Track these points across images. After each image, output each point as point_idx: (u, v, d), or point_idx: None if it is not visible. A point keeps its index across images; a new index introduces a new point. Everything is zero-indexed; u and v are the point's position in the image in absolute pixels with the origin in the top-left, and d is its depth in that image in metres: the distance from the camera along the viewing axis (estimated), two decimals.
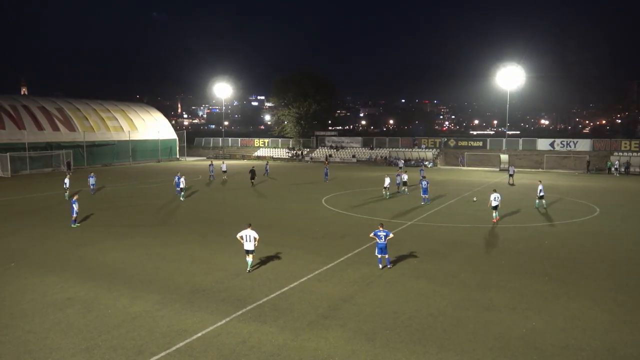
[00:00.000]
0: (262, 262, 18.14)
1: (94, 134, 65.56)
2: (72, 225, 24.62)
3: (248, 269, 16.79)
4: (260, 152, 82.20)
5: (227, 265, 17.78)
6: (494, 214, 25.74)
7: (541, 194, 29.80)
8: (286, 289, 15.10)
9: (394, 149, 72.58)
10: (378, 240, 17.25)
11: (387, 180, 34.20)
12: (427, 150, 69.85)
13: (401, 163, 62.27)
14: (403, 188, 36.39)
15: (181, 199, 32.71)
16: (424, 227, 24.78)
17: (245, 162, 74.63)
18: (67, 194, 33.77)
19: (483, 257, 19.10)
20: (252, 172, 42.84)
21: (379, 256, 17.36)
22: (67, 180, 34.27)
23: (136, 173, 52.60)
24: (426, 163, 60.86)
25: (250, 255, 16.86)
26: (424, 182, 32.22)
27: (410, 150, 70.82)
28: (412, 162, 65.69)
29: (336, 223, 25.69)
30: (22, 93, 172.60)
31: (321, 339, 11.69)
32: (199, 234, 23.12)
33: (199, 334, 11.87)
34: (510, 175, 42.57)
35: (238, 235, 16.98)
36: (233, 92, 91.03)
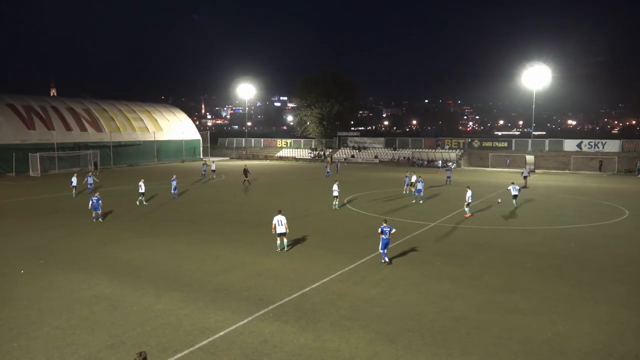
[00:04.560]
0: (284, 262, 18.22)
1: (120, 134, 66.72)
2: (100, 220, 25.86)
3: (279, 249, 19.28)
4: (283, 153, 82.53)
5: (249, 264, 17.90)
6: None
7: (515, 193, 30.40)
8: (308, 289, 15.12)
9: (416, 150, 72.06)
10: (383, 236, 17.71)
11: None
12: (450, 150, 69.17)
13: (441, 163, 61.24)
14: (411, 189, 35.76)
15: (143, 203, 31.63)
16: (447, 228, 24.55)
17: (267, 162, 75.13)
18: (74, 192, 34.85)
19: (507, 259, 18.82)
20: (246, 171, 43.66)
21: (382, 251, 17.88)
22: (74, 179, 35.32)
23: (161, 173, 53.39)
24: (449, 164, 60.21)
25: (284, 238, 19.41)
26: (420, 182, 32.81)
27: (433, 151, 70.23)
28: (436, 163, 65.10)
29: (358, 224, 25.64)
30: (52, 94, 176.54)
31: (343, 340, 11.67)
32: (221, 233, 23.34)
33: (222, 333, 11.97)
34: (525, 178, 41.63)
35: (273, 222, 19.24)
36: (256, 92, 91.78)
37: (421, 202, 32.15)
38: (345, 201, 32.96)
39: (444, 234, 23.20)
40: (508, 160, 61.58)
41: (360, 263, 18.00)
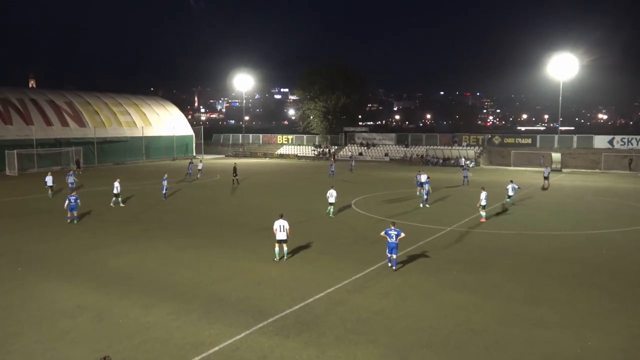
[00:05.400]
0: (285, 270, 18.27)
1: (105, 129, 67.05)
2: (70, 221, 26.43)
3: (278, 258, 19.19)
4: (284, 150, 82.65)
5: (247, 272, 17.96)
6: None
7: (510, 192, 32.16)
8: (311, 300, 15.16)
9: (431, 147, 72.00)
10: (389, 240, 17.96)
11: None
12: (468, 148, 69.07)
13: (465, 161, 60.82)
14: (422, 190, 35.59)
15: (115, 204, 31.87)
16: (463, 233, 24.53)
17: (267, 160, 75.26)
18: (51, 192, 35.44)
19: (531, 267, 18.80)
20: (235, 169, 44.07)
21: (389, 256, 18.17)
22: (50, 177, 35.86)
23: (150, 172, 53.57)
24: (467, 162, 60.16)
25: (284, 245, 19.27)
26: (426, 185, 32.76)
27: (449, 148, 70.15)
28: (452, 162, 65.07)
29: (367, 228, 25.66)
30: (30, 86, 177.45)
31: (349, 355, 11.70)
32: (217, 237, 23.42)
33: (216, 348, 12.03)
34: (545, 178, 41.41)
35: (274, 228, 19.14)
36: (254, 84, 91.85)
37: (422, 205, 31.55)
38: (352, 203, 32.99)
39: (460, 240, 23.18)
40: (542, 159, 60.71)
41: (368, 271, 18.02)
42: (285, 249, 19.49)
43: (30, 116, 60.16)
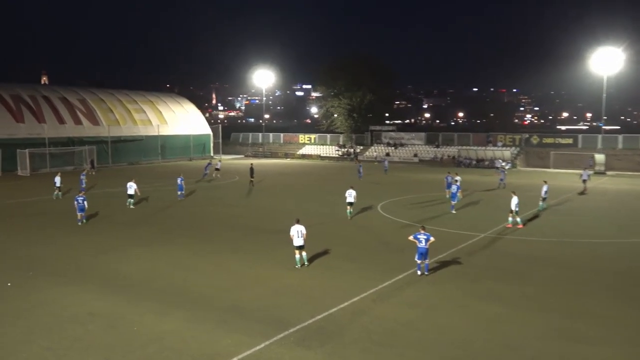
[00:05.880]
0: (306, 277, 18.28)
1: (119, 128, 68.03)
2: (81, 223, 27.15)
3: (299, 265, 19.21)
4: (306, 150, 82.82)
5: (266, 279, 18.03)
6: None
7: (544, 195, 31.78)
8: (335, 309, 15.14)
9: (463, 147, 71.38)
10: (418, 244, 18.15)
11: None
12: (504, 148, 68.31)
13: (500, 163, 60.14)
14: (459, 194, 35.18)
15: (134, 205, 32.55)
16: (499, 240, 24.29)
17: (288, 161, 75.48)
18: (58, 193, 35.92)
19: (571, 277, 18.52)
20: (252, 170, 44.35)
21: (419, 262, 18.27)
22: (58, 178, 36.36)
23: (165, 172, 54.17)
24: (503, 164, 59.48)
25: (303, 251, 19.33)
26: (454, 187, 32.53)
27: (483, 148, 69.47)
28: (486, 163, 64.44)
29: (394, 233, 25.55)
30: (43, 82, 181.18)
31: None
32: (234, 242, 23.58)
33: (234, 359, 12.08)
34: (584, 181, 40.60)
35: (291, 234, 19.18)
36: (275, 80, 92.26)
37: (453, 211, 31.24)
38: (378, 207, 32.89)
39: (494, 247, 22.97)
40: (591, 162, 59.45)
41: (395, 280, 17.93)
42: (305, 254, 19.50)
43: (43, 114, 61.31)
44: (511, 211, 27.13)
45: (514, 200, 27.08)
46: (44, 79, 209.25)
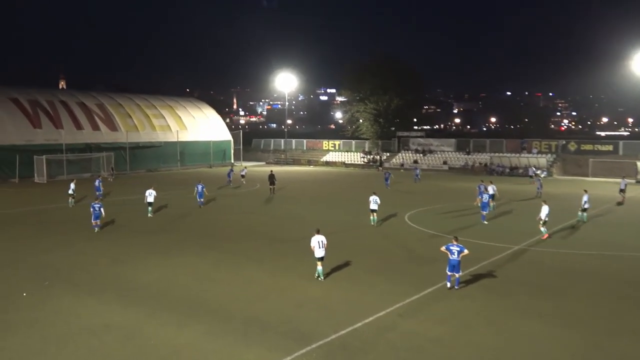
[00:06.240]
0: (330, 289, 18.21)
1: (137, 134, 68.93)
2: (97, 230, 27.68)
3: (321, 277, 19.13)
4: (330, 157, 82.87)
5: (288, 291, 18.02)
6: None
7: (585, 205, 31.25)
8: (360, 324, 15.05)
9: (496, 154, 70.73)
10: (450, 256, 18.01)
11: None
12: (539, 155, 67.53)
13: (534, 171, 59.32)
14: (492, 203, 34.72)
15: (149, 214, 32.74)
16: (535, 253, 23.98)
17: (311, 168, 75.60)
18: (71, 200, 36.54)
19: (612, 292, 18.18)
20: (272, 177, 44.40)
21: (449, 274, 18.13)
22: (72, 185, 36.94)
23: (185, 179, 54.63)
24: (538, 172, 58.69)
25: (321, 263, 19.22)
26: (486, 195, 32.22)
27: (517, 155, 68.75)
28: (520, 171, 63.74)
29: (422, 244, 25.42)
30: (60, 87, 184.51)
31: None
32: (255, 252, 23.65)
33: None
34: (621, 191, 39.73)
35: (312, 244, 19.08)
36: (298, 84, 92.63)
37: (485, 222, 30.99)
38: (405, 217, 32.70)
39: (529, 260, 22.70)
40: (636, 170, 58.21)
41: (424, 294, 17.77)
42: (321, 268, 19.36)
43: (60, 119, 62.33)
44: (541, 220, 26.94)
45: (545, 210, 26.96)
46: (62, 84, 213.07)
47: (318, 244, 19.06)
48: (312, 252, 19.33)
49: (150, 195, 32.75)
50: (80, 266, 21.34)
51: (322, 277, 19.25)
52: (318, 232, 19.46)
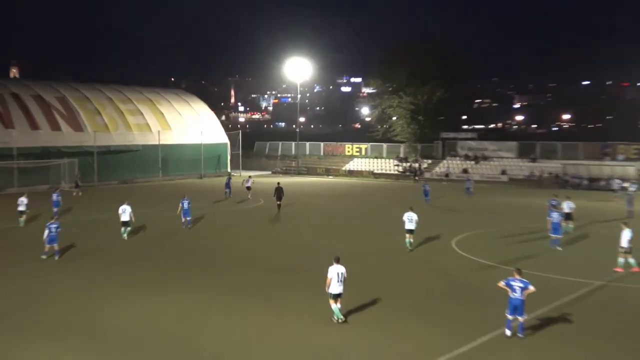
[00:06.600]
0: (353, 336, 18.13)
1: (109, 135, 69.40)
2: (56, 258, 27.89)
3: (339, 318, 18.94)
4: (354, 165, 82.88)
5: (300, 338, 17.99)
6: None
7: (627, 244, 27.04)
8: None
9: (570, 162, 70.32)
10: (511, 294, 17.90)
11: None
12: (627, 163, 67.01)
13: (619, 184, 58.77)
14: (566, 224, 34.62)
15: (124, 236, 33.12)
16: (621, 290, 23.81)
17: (330, 179, 75.58)
18: (22, 219, 37.13)
19: None
20: (279, 191, 44.81)
21: (510, 317, 17.99)
22: (23, 199, 37.45)
23: (168, 193, 54.79)
24: (626, 184, 58.16)
25: (340, 300, 19.14)
26: (556, 214, 32.10)
27: (598, 163, 68.30)
28: (602, 183, 63.29)
29: (475, 279, 25.31)
30: (12, 76, 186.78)
31: None
32: (256, 286, 23.67)
33: None
34: None
35: (329, 276, 18.96)
36: (313, 72, 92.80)
37: (558, 248, 31.17)
38: (452, 243, 32.56)
39: (613, 300, 22.55)
40: None
41: (479, 343, 17.63)
42: (339, 305, 19.24)
43: (11, 117, 62.75)
44: (622, 249, 26.52)
45: (626, 235, 26.47)
46: (14, 72, 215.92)
47: (337, 275, 18.98)
48: (326, 288, 19.08)
49: (125, 212, 32.85)
50: (37, 304, 21.38)
51: (342, 317, 19.11)
52: (337, 262, 19.37)
